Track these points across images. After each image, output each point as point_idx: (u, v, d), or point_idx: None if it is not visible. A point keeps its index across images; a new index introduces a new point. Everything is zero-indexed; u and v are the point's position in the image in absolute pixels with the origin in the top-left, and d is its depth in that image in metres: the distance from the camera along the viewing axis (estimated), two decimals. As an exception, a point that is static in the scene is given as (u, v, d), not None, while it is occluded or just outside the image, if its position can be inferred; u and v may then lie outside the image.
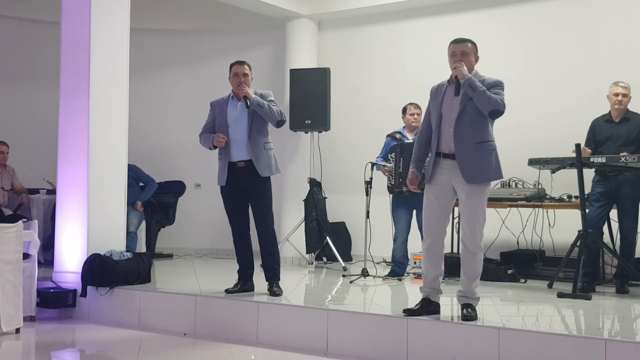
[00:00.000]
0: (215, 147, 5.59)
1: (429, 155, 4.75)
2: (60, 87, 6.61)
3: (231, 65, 5.67)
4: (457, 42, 4.68)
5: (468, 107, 4.54)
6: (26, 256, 5.79)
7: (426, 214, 4.72)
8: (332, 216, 8.46)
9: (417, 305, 4.71)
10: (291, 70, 8.31)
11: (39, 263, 6.15)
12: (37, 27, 8.92)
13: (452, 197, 4.66)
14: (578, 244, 5.78)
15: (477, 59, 4.71)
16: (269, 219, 5.63)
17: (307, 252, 8.09)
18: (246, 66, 5.63)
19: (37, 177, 8.06)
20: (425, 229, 4.74)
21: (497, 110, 4.52)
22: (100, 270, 6.01)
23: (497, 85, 4.59)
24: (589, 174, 6.15)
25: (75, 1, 6.55)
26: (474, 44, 4.70)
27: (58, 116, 6.59)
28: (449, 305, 5.03)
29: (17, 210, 7.82)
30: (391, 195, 6.89)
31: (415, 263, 6.96)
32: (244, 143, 5.50)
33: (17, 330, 5.47)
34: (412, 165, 4.87)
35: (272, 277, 5.59)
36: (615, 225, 6.27)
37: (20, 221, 5.82)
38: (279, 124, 5.63)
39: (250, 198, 5.59)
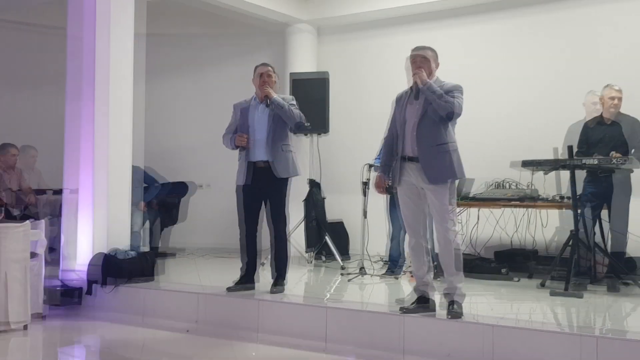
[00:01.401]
0: (237, 147, 5.58)
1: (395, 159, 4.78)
2: (66, 91, 6.62)
3: (256, 67, 5.69)
4: (417, 49, 4.77)
5: (428, 111, 4.59)
6: (33, 255, 5.79)
7: (404, 214, 4.78)
8: (331, 215, 8.46)
9: (412, 303, 4.72)
10: (291, 74, 8.30)
11: (46, 262, 6.13)
12: (43, 32, 8.91)
13: (422, 196, 4.69)
14: (570, 243, 5.79)
15: (437, 65, 4.77)
16: (283, 220, 5.61)
17: (307, 251, 8.08)
18: (270, 68, 5.65)
19: (45, 178, 8.04)
20: (408, 229, 4.79)
21: (452, 112, 4.56)
22: (105, 269, 6.03)
23: (456, 89, 4.64)
24: (581, 175, 6.15)
25: (81, 8, 6.56)
26: (433, 51, 4.77)
27: (64, 119, 6.60)
28: (444, 302, 5.01)
29: (25, 211, 7.81)
30: (387, 196, 6.88)
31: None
32: (264, 144, 5.49)
33: (25, 327, 5.46)
34: (379, 170, 4.96)
35: (279, 275, 5.60)
36: (606, 226, 6.26)
37: (27, 221, 5.81)
38: (298, 125, 5.62)
39: (267, 198, 5.58)
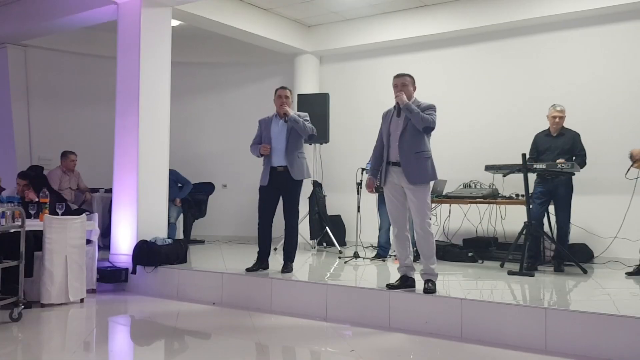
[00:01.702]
0: (261, 155, 5.61)
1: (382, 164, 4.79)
2: (116, 108, 6.64)
3: (276, 90, 5.70)
4: (398, 76, 4.78)
5: (409, 125, 4.62)
6: (89, 242, 5.84)
7: (389, 209, 4.78)
8: (331, 210, 8.46)
9: (397, 281, 4.73)
10: (298, 95, 8.30)
11: (99, 247, 6.16)
12: (98, 61, 8.95)
13: (404, 194, 4.69)
14: (524, 232, 5.79)
15: (415, 88, 4.79)
16: (295, 214, 5.64)
17: (311, 239, 8.09)
18: (288, 90, 5.68)
19: (99, 178, 8.07)
20: (392, 221, 4.79)
21: (428, 127, 4.61)
22: (147, 253, 6.04)
23: (430, 108, 4.66)
24: (532, 177, 6.16)
25: (128, 40, 6.58)
26: (411, 77, 4.79)
27: (114, 131, 6.63)
28: (422, 281, 5.03)
29: (82, 206, 7.83)
30: (377, 194, 6.89)
31: (395, 247, 6.96)
32: (283, 152, 5.52)
33: (82, 300, 5.51)
34: (369, 173, 4.97)
35: (288, 258, 5.61)
36: (552, 218, 6.27)
37: (84, 214, 5.84)
38: (310, 137, 5.70)
39: (283, 196, 5.59)
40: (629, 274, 5.69)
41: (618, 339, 3.68)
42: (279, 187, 5.55)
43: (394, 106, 4.73)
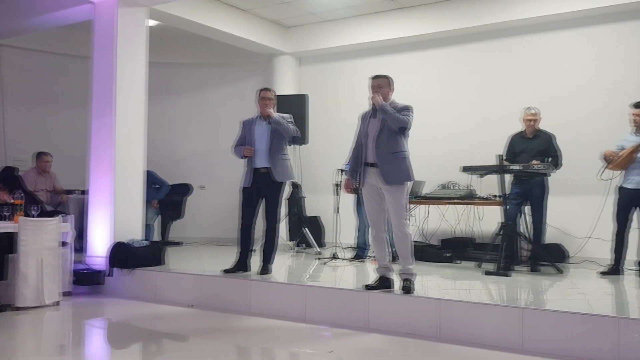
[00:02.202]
0: (244, 157, 5.58)
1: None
2: (92, 108, 6.56)
3: (259, 91, 5.67)
4: (374, 77, 4.81)
5: (385, 126, 4.63)
6: (64, 244, 5.75)
7: (367, 210, 4.80)
8: (309, 211, 8.47)
9: (375, 281, 4.74)
10: (277, 96, 8.28)
11: (74, 249, 6.08)
12: (74, 61, 8.85)
13: (382, 195, 4.71)
14: (500, 233, 5.85)
15: (392, 89, 4.80)
16: (276, 216, 5.60)
17: (289, 240, 8.09)
18: (271, 92, 5.66)
19: (74, 180, 7.96)
20: (370, 222, 4.80)
21: (403, 127, 4.62)
22: (123, 255, 5.98)
23: (406, 109, 4.67)
24: (508, 178, 6.22)
25: (104, 40, 6.51)
26: (388, 78, 4.80)
27: (90, 132, 6.55)
28: (400, 281, 5.06)
29: (57, 207, 7.73)
30: (355, 195, 6.91)
31: (374, 248, 6.98)
32: (265, 153, 5.49)
33: (57, 303, 5.43)
34: (347, 174, 4.97)
35: (267, 260, 5.59)
36: (528, 219, 6.33)
37: (59, 216, 5.77)
38: (294, 139, 5.69)
39: (266, 197, 5.56)
40: (602, 273, 5.78)
41: (592, 337, 3.73)
42: (262, 188, 5.52)
43: (371, 107, 4.74)
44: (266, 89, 5.68)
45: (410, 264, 4.64)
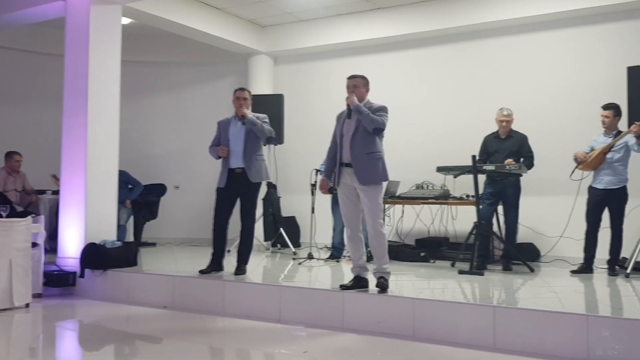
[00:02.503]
0: (220, 157, 5.55)
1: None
2: (64, 107, 6.47)
3: (235, 91, 5.64)
4: (350, 77, 4.81)
5: (360, 127, 4.64)
6: (34, 245, 5.67)
7: (343, 210, 4.80)
8: (285, 211, 8.46)
9: (350, 281, 4.75)
10: (253, 95, 8.24)
11: (45, 250, 5.99)
12: (45, 59, 8.73)
13: (357, 195, 4.72)
14: (474, 232, 5.90)
15: (367, 90, 4.81)
16: (252, 217, 5.59)
17: (265, 240, 8.07)
18: (247, 92, 5.64)
19: (46, 180, 7.84)
20: (346, 222, 4.81)
21: (378, 128, 4.63)
22: (95, 256, 5.91)
23: (381, 109, 4.68)
24: (482, 178, 6.28)
25: (76, 37, 6.44)
26: (364, 78, 4.80)
27: (62, 131, 6.46)
28: (375, 281, 5.07)
29: (27, 208, 7.61)
30: (331, 195, 6.91)
31: (349, 248, 6.99)
32: (240, 154, 5.46)
33: (27, 305, 5.34)
34: (323, 174, 4.97)
35: (242, 260, 5.56)
36: (501, 218, 6.41)
37: (29, 216, 5.67)
38: (268, 139, 5.65)
39: (241, 198, 5.53)
40: (573, 272, 5.87)
41: (563, 335, 3.78)
42: (237, 189, 5.50)
43: (346, 107, 4.74)
44: (241, 89, 5.66)
45: (384, 263, 4.66)
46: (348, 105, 4.68)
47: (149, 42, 9.23)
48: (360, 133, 4.63)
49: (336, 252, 6.90)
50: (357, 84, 4.74)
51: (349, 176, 4.67)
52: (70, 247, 6.21)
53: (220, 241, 5.59)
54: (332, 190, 4.97)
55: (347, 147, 4.68)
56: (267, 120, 5.61)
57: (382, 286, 4.57)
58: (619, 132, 5.78)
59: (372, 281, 4.71)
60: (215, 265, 5.56)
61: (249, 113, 5.51)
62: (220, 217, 5.57)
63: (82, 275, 5.94)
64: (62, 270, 6.08)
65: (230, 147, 5.51)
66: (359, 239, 4.76)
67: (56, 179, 7.51)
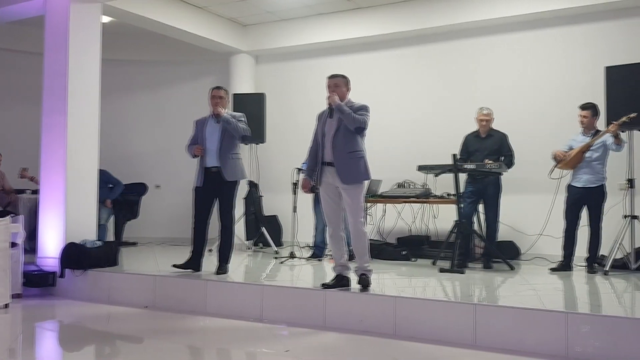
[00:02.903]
0: (195, 156, 5.52)
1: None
2: (43, 106, 6.40)
3: (211, 89, 5.61)
4: (331, 77, 4.80)
5: (342, 126, 4.64)
6: (13, 245, 5.60)
7: (325, 209, 4.80)
8: (267, 210, 8.44)
9: (332, 280, 4.75)
10: (234, 94, 8.24)
11: (25, 250, 5.91)
12: (24, 57, 8.61)
13: (339, 194, 4.72)
14: (454, 230, 5.93)
15: (348, 89, 4.81)
16: (230, 216, 5.57)
17: (247, 239, 8.04)
18: (222, 90, 5.61)
19: (24, 180, 7.74)
20: (328, 221, 4.81)
21: (360, 127, 4.64)
22: (76, 256, 5.85)
23: (363, 108, 4.69)
24: (463, 177, 6.32)
25: (56, 36, 6.36)
26: (345, 77, 4.81)
27: (41, 130, 6.38)
28: (357, 278, 5.08)
29: (7, 207, 7.51)
30: (312, 194, 6.91)
31: (331, 247, 6.98)
32: (216, 153, 5.43)
33: (6, 306, 5.26)
34: (305, 174, 4.95)
35: (223, 260, 5.54)
36: (482, 217, 6.44)
37: (8, 216, 5.60)
38: (243, 138, 5.62)
39: (218, 197, 5.50)
40: (552, 269, 5.93)
41: (543, 332, 3.82)
42: (214, 188, 5.47)
43: (328, 107, 4.75)
44: (217, 88, 5.63)
45: (366, 261, 4.67)
46: (330, 104, 4.68)
47: (129, 40, 9.15)
48: (342, 132, 4.63)
49: (318, 251, 6.90)
50: (338, 83, 4.74)
51: (331, 175, 4.67)
52: (50, 246, 6.14)
53: (199, 241, 5.56)
54: (314, 189, 4.98)
55: (328, 146, 4.68)
56: (243, 119, 5.58)
57: (364, 282, 4.58)
58: (597, 132, 5.86)
59: (354, 279, 4.71)
60: (192, 263, 5.54)
61: (223, 112, 5.48)
62: (199, 217, 5.54)
63: (62, 275, 5.88)
64: (41, 270, 6.01)
65: (206, 146, 5.48)
66: (340, 237, 4.77)
67: (25, 170, 7.44)
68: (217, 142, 5.46)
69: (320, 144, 4.76)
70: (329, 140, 4.67)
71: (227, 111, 5.59)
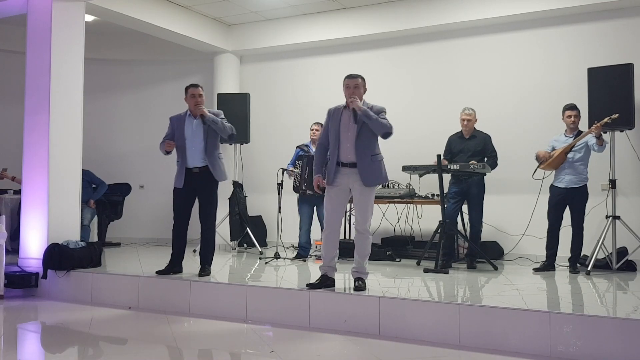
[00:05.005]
0: (167, 153, 5.43)
1: (327, 163, 4.75)
2: (25, 105, 6.32)
3: (187, 88, 5.46)
4: (350, 77, 4.70)
5: (363, 128, 4.60)
6: (-5, 245, 5.52)
7: (327, 210, 4.74)
8: (251, 211, 8.41)
9: (317, 280, 4.74)
10: (218, 94, 8.22)
11: (7, 251, 5.84)
12: (6, 56, 8.51)
13: (347, 196, 4.72)
14: (439, 231, 5.95)
15: (365, 90, 4.76)
16: (213, 216, 5.49)
17: (231, 240, 8.01)
18: (200, 88, 5.47)
19: (6, 180, 7.64)
20: (326, 221, 4.77)
21: (388, 132, 4.63)
22: (58, 257, 5.79)
23: (383, 111, 4.67)
24: (447, 177, 6.35)
25: (39, 35, 6.30)
26: (363, 78, 4.74)
27: (23, 130, 6.30)
28: (342, 280, 5.09)
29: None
30: (297, 194, 6.91)
31: (316, 247, 6.98)
32: (201, 153, 5.34)
33: (-13, 307, 5.20)
34: (317, 172, 4.81)
35: (206, 262, 5.48)
36: (466, 217, 6.48)
37: (-11, 217, 5.53)
38: (230, 137, 5.51)
39: (200, 197, 5.42)
40: (536, 269, 5.97)
41: (526, 332, 3.84)
42: (196, 188, 5.39)
43: (344, 106, 4.67)
44: (194, 86, 5.46)
45: (366, 263, 4.69)
46: (353, 109, 4.57)
47: (112, 39, 9.08)
48: (364, 135, 4.59)
49: (303, 252, 6.89)
50: (358, 85, 4.65)
51: (347, 176, 4.62)
52: (33, 247, 6.08)
53: (179, 242, 5.51)
54: (323, 189, 4.86)
55: (348, 147, 4.60)
56: (223, 116, 5.49)
57: (360, 289, 4.57)
58: (580, 132, 5.91)
59: (339, 281, 4.70)
60: (173, 266, 5.48)
61: (206, 111, 5.37)
62: (179, 219, 5.48)
63: (44, 276, 5.81)
64: (24, 271, 5.94)
65: (187, 145, 5.36)
66: (337, 239, 4.74)
67: (4, 170, 7.35)
68: (202, 142, 5.36)
69: (334, 143, 4.66)
70: (348, 141, 4.60)
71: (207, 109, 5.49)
